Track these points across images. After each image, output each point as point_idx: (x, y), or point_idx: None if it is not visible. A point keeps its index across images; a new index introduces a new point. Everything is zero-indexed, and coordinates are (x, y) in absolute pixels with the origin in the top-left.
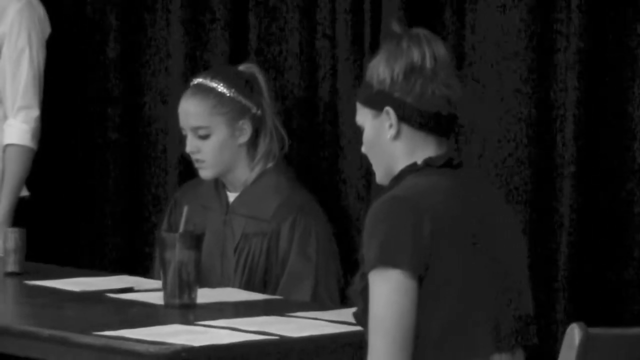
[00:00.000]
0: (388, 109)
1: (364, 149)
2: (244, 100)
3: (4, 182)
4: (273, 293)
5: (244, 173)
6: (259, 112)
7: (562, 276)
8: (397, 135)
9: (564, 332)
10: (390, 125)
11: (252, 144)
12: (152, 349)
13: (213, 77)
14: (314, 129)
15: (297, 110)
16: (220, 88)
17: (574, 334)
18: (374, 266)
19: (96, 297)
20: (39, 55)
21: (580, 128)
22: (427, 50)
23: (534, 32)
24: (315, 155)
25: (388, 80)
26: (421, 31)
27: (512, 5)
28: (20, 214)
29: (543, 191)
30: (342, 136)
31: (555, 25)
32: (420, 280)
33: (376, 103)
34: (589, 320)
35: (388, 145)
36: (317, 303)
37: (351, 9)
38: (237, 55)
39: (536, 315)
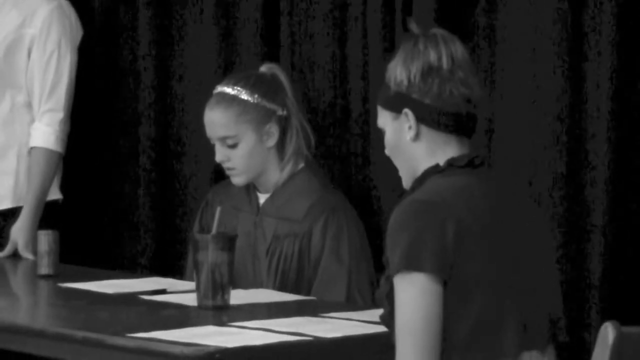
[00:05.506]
0: (406, 110)
1: (387, 152)
2: (268, 104)
3: (28, 184)
4: (306, 294)
5: (274, 174)
6: (284, 112)
7: (595, 274)
8: (416, 137)
9: (597, 331)
10: (410, 127)
11: (281, 144)
12: (186, 350)
13: (235, 84)
14: (345, 129)
15: (328, 108)
16: (243, 95)
17: (608, 332)
18: (398, 270)
19: (129, 299)
20: (69, 59)
21: (612, 129)
22: (443, 51)
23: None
24: (347, 154)
25: (405, 82)
26: (438, 31)
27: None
28: (53, 217)
29: (575, 191)
30: (373, 135)
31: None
32: (446, 282)
33: (395, 105)
34: (622, 319)
35: (409, 147)
36: (350, 303)
37: (382, 10)
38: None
39: (569, 313)
